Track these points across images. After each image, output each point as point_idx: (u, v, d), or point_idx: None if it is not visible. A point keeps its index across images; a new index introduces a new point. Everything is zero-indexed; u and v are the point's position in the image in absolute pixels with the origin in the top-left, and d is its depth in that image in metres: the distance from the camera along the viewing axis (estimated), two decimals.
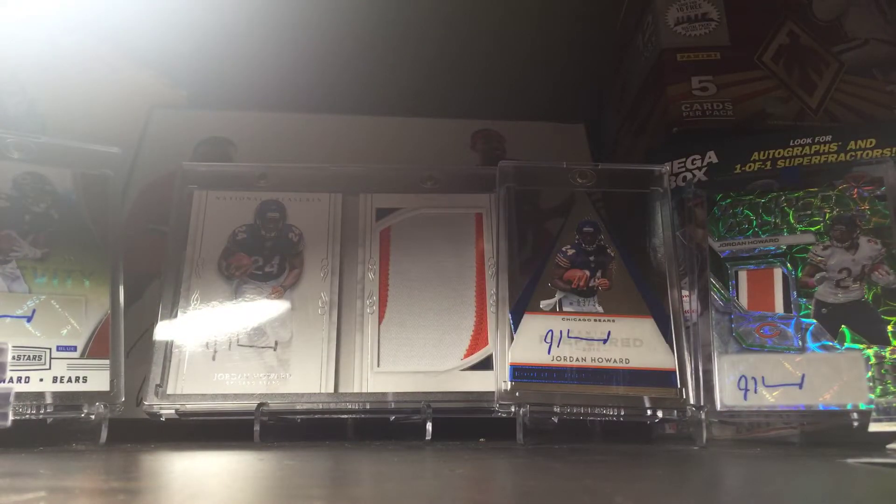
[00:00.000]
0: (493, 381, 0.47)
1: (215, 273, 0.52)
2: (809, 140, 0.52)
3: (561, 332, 0.47)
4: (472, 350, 0.50)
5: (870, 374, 0.44)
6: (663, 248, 0.50)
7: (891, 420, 0.43)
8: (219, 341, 0.49)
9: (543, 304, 0.49)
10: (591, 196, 0.53)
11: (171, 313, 0.50)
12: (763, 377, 0.45)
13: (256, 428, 0.46)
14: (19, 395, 0.42)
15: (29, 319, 0.46)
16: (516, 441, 0.45)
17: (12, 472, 0.31)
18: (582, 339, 0.47)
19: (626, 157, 0.68)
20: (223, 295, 0.51)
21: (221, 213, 0.54)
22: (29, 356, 0.45)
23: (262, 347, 0.50)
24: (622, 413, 0.45)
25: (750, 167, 0.53)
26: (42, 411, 0.44)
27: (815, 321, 0.46)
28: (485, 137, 0.71)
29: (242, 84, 0.74)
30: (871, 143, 0.51)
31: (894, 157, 0.50)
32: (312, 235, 0.54)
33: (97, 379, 0.47)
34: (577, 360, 0.47)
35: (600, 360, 0.47)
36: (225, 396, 0.48)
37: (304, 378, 0.49)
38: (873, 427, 0.43)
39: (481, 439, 0.49)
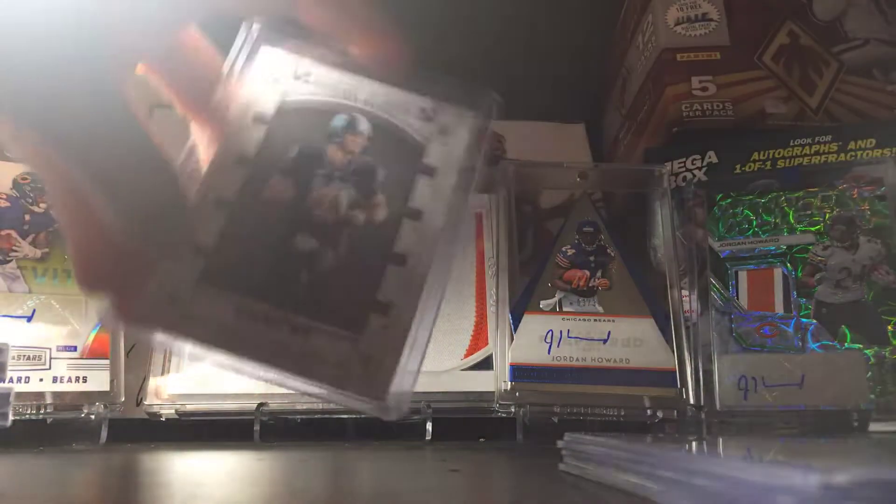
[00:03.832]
0: (493, 381, 0.47)
1: None
2: (809, 140, 0.52)
3: (561, 332, 0.47)
4: (472, 350, 0.50)
5: (870, 374, 0.44)
6: (663, 248, 0.50)
7: (891, 420, 0.43)
8: None
9: (543, 304, 0.49)
10: (591, 196, 0.53)
11: None
12: (763, 377, 0.45)
13: (256, 428, 0.46)
14: (19, 395, 0.42)
15: (29, 319, 0.46)
16: (516, 441, 0.45)
17: (12, 473, 0.31)
18: (582, 338, 0.47)
19: (626, 157, 0.68)
20: None
21: None
22: (29, 356, 0.45)
23: None
24: (622, 413, 0.45)
25: (750, 167, 0.53)
26: (42, 411, 0.44)
27: (815, 321, 0.46)
28: None
29: None
30: (871, 143, 0.51)
31: (894, 157, 0.50)
32: None
33: (97, 379, 0.46)
34: (578, 360, 0.47)
35: (600, 359, 0.47)
36: (225, 396, 0.48)
37: None
38: (873, 427, 0.43)
39: (481, 439, 0.49)
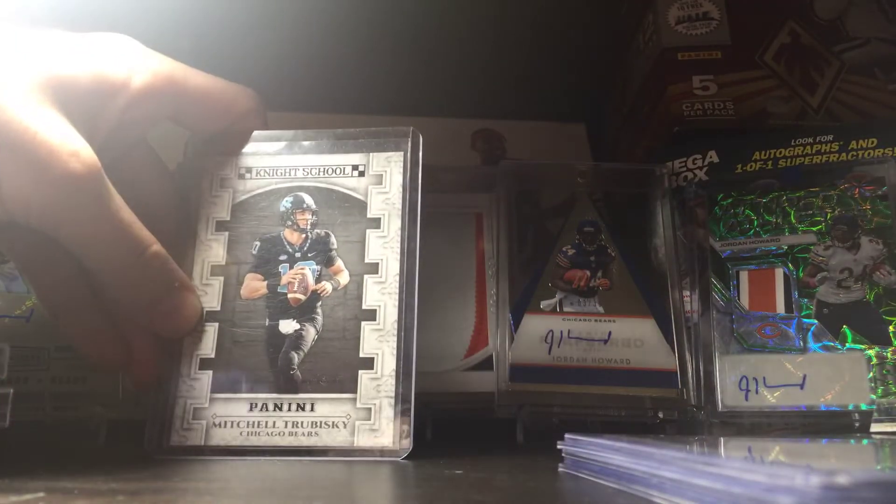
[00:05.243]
0: (494, 382, 0.47)
1: None
2: (811, 140, 0.52)
3: (561, 332, 0.47)
4: (472, 350, 0.50)
5: (871, 374, 0.44)
6: (664, 248, 0.50)
7: (892, 421, 0.43)
8: None
9: (544, 304, 0.49)
10: (591, 196, 0.53)
11: None
12: (764, 378, 0.45)
13: None
14: (17, 396, 0.42)
15: (27, 319, 0.46)
16: (516, 441, 0.45)
17: (11, 473, 0.31)
18: (582, 339, 0.47)
19: (626, 157, 0.68)
20: None
21: None
22: (27, 356, 0.45)
23: None
24: (623, 413, 0.45)
25: (751, 167, 0.53)
26: (40, 412, 0.44)
27: (816, 321, 0.46)
28: (485, 137, 0.71)
29: (241, 83, 0.74)
30: (872, 142, 0.51)
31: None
32: None
33: (96, 379, 0.46)
34: (578, 360, 0.46)
35: (601, 360, 0.46)
36: None
37: None
38: (875, 428, 0.43)
39: (479, 440, 0.49)
